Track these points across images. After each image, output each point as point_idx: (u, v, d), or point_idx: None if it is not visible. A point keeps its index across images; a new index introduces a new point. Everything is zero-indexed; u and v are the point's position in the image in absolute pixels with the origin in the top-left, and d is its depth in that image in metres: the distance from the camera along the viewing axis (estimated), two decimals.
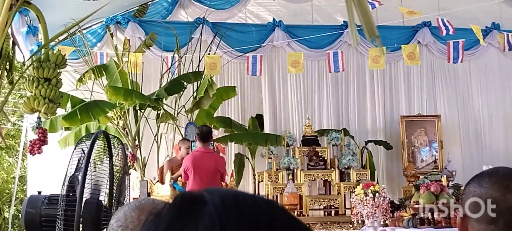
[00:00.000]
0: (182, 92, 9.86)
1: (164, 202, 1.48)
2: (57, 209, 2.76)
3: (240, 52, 10.55)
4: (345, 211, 9.33)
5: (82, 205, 2.68)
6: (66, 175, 2.81)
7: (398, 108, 11.27)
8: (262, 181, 10.01)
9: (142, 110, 9.57)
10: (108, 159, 2.85)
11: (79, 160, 2.82)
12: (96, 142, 2.79)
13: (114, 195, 2.88)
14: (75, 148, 2.87)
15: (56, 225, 2.71)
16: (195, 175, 7.10)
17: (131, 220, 1.47)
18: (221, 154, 8.60)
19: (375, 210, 7.86)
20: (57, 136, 9.24)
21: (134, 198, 8.18)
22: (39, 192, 2.97)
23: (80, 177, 2.74)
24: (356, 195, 8.17)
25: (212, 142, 8.09)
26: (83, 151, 2.81)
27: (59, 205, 2.73)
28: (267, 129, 10.65)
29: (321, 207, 9.62)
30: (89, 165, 2.80)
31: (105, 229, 2.70)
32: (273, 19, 10.95)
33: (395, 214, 8.31)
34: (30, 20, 9.25)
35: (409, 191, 9.43)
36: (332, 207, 9.51)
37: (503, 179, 1.40)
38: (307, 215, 9.27)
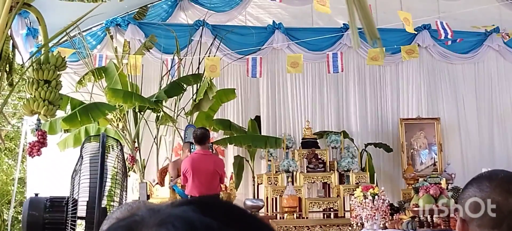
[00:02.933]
0: (181, 94, 9.86)
1: (156, 204, 1.47)
2: (62, 212, 2.75)
3: (240, 55, 10.55)
4: (344, 213, 9.32)
5: (87, 209, 2.68)
6: (73, 179, 2.81)
7: (397, 111, 11.27)
8: (261, 183, 10.00)
9: (142, 113, 9.57)
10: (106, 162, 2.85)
11: (80, 164, 2.82)
12: (104, 146, 2.78)
13: (118, 197, 2.88)
14: (80, 153, 2.87)
15: (67, 229, 2.70)
16: (194, 177, 7.10)
17: None
18: (220, 156, 8.59)
19: (374, 213, 7.84)
20: (57, 138, 9.24)
21: (133, 200, 8.18)
22: (36, 194, 2.95)
23: (90, 181, 2.73)
24: (355, 198, 8.16)
25: (211, 144, 8.06)
26: (81, 156, 2.81)
27: (69, 209, 2.73)
28: (264, 131, 10.65)
29: (321, 209, 9.61)
30: (90, 168, 2.80)
31: None
32: (273, 21, 10.95)
33: (394, 216, 8.31)
34: (30, 22, 9.26)
35: (409, 194, 9.43)
36: (332, 210, 9.50)
37: (504, 183, 1.40)
38: (307, 218, 9.27)
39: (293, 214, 9.09)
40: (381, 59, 10.10)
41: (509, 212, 1.35)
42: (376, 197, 7.93)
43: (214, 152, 7.84)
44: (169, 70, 10.01)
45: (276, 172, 9.76)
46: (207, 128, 8.15)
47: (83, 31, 9.45)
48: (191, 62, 10.19)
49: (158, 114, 9.69)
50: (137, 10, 10.71)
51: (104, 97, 9.29)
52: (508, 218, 1.35)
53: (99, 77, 9.63)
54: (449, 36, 9.86)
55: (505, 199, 1.36)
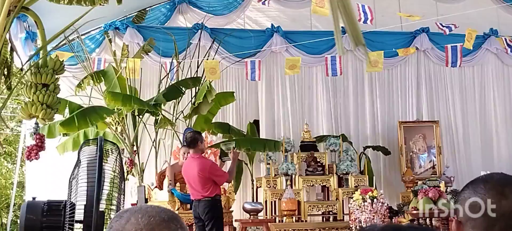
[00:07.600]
0: (180, 97, 9.86)
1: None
2: (60, 216, 2.74)
3: (238, 58, 10.55)
4: (343, 216, 9.32)
5: (84, 212, 2.68)
6: (71, 183, 2.81)
7: (396, 114, 11.27)
8: (260, 186, 10.01)
9: (141, 116, 9.56)
10: (105, 165, 2.85)
11: (78, 167, 2.82)
12: (101, 149, 2.78)
13: (116, 201, 2.88)
14: (78, 157, 2.87)
15: None
16: (186, 181, 7.07)
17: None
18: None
19: (373, 216, 7.85)
20: (55, 141, 9.22)
21: (132, 204, 8.18)
22: (34, 198, 2.94)
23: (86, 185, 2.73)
24: (354, 201, 8.17)
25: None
26: (79, 159, 2.81)
27: (67, 213, 2.72)
28: (263, 134, 10.64)
29: (320, 212, 9.60)
30: (88, 172, 2.79)
31: None
32: (272, 24, 10.95)
33: (393, 219, 8.31)
34: (28, 26, 9.25)
35: (408, 197, 9.43)
36: (331, 213, 9.49)
37: (498, 185, 1.40)
38: (306, 221, 9.26)
39: (292, 217, 9.08)
40: (380, 64, 10.09)
41: (502, 214, 1.35)
42: (375, 200, 7.94)
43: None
44: (168, 74, 10.01)
45: (275, 175, 9.76)
46: (198, 131, 8.07)
47: (81, 35, 9.44)
48: (190, 65, 10.19)
49: (157, 117, 9.68)
50: (135, 13, 10.70)
51: (103, 101, 9.28)
52: (501, 220, 1.34)
53: (98, 80, 9.62)
54: (453, 30, 9.78)
55: (498, 201, 1.36)
